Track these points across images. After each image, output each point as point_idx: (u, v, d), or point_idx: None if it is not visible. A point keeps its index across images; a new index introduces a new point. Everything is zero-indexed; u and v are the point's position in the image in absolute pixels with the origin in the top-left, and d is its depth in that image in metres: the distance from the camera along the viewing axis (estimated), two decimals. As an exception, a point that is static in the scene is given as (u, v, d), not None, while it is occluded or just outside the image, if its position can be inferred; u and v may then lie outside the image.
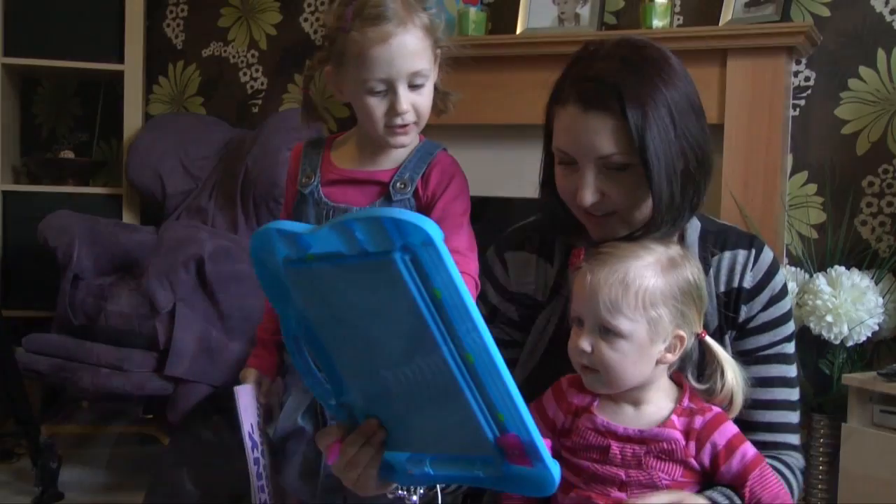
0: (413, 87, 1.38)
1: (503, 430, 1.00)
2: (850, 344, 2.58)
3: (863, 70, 2.86)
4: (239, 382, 1.45)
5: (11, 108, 3.80)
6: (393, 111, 1.37)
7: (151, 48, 3.86)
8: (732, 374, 1.24)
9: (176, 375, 2.80)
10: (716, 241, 1.40)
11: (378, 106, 1.38)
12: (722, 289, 1.38)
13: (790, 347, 1.41)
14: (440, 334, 0.96)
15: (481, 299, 1.46)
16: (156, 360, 2.84)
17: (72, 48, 3.63)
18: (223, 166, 3.51)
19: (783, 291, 1.39)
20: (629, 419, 1.24)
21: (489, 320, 1.42)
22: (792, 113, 2.92)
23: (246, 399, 1.42)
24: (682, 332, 1.23)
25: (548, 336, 1.41)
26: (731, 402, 1.24)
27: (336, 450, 1.16)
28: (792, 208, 2.92)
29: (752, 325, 1.38)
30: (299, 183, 1.47)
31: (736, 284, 1.37)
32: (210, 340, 2.86)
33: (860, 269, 2.65)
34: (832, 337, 2.56)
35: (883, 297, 2.60)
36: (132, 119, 3.70)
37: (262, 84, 3.80)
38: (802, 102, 2.92)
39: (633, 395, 1.25)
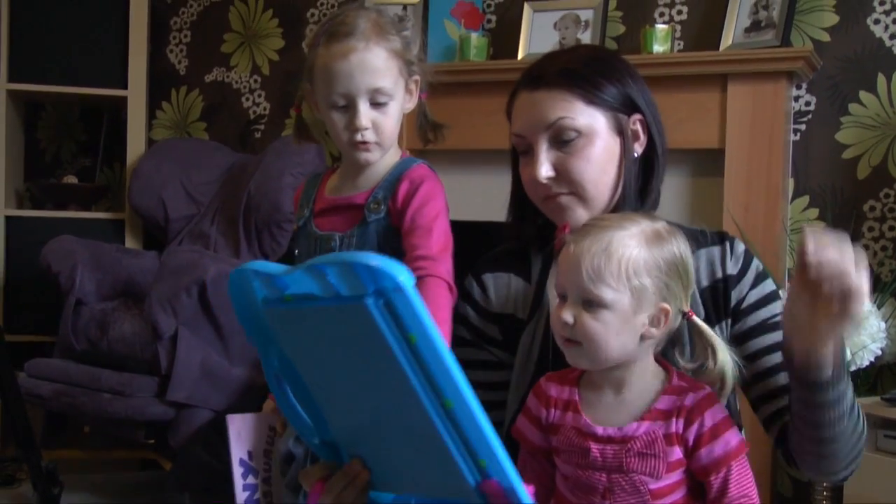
0: (375, 104, 1.41)
1: (485, 476, 0.98)
2: (852, 369, 2.58)
3: (863, 94, 2.87)
4: (236, 411, 1.45)
5: (15, 133, 3.81)
6: (352, 126, 1.41)
7: (155, 74, 3.88)
8: (723, 353, 1.22)
9: (178, 400, 2.80)
10: (689, 241, 1.43)
11: (340, 120, 1.42)
12: (705, 283, 1.41)
13: None
14: (417, 379, 0.94)
15: (463, 324, 1.46)
16: (157, 385, 2.84)
17: (75, 74, 3.66)
18: (226, 191, 3.52)
19: (765, 271, 1.44)
20: (610, 410, 1.22)
21: (474, 343, 1.45)
22: (793, 137, 2.93)
23: (238, 427, 1.42)
24: (666, 305, 1.21)
25: (535, 354, 1.41)
26: (722, 382, 1.22)
27: (319, 489, 1.16)
28: (794, 232, 2.92)
29: (745, 304, 1.41)
30: (298, 216, 1.51)
31: (720, 275, 1.41)
32: (212, 365, 2.86)
33: (862, 293, 2.65)
34: (835, 361, 2.55)
35: (885, 322, 2.59)
36: (135, 144, 3.72)
37: (265, 109, 3.82)
38: (803, 127, 2.93)
39: (615, 377, 1.23)
